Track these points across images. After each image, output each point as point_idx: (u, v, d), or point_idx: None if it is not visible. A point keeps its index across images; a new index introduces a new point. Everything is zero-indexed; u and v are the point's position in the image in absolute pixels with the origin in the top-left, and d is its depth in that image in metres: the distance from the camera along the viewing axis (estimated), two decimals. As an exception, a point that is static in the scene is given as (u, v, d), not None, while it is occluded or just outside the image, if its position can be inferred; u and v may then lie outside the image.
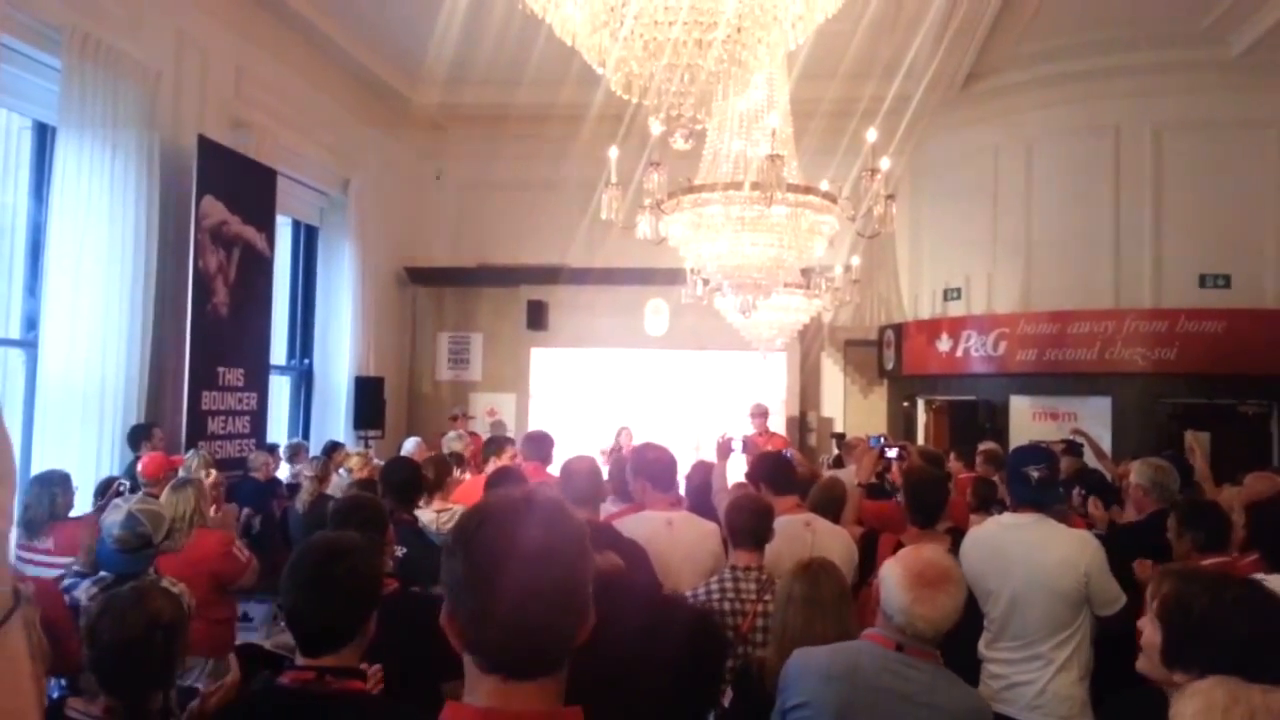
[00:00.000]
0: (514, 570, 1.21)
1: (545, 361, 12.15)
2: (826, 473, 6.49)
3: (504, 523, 1.25)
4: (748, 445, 5.71)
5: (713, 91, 2.41)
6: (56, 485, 4.63)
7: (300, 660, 2.11)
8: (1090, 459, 7.13)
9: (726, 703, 2.91)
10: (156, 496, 4.26)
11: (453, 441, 8.01)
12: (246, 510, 6.35)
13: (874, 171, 5.07)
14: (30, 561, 4.33)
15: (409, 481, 4.43)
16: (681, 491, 5.63)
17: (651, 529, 3.78)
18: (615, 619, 2.16)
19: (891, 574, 2.39)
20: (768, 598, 3.39)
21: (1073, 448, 7.28)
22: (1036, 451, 3.79)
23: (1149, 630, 2.07)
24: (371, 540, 3.16)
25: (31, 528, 4.47)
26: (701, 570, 3.81)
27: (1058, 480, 3.72)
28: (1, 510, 0.84)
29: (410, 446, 8.05)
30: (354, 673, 2.08)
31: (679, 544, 3.79)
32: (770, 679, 2.64)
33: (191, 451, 6.36)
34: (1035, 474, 3.56)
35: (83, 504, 5.07)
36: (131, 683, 2.31)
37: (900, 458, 5.72)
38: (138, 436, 6.49)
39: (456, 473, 6.41)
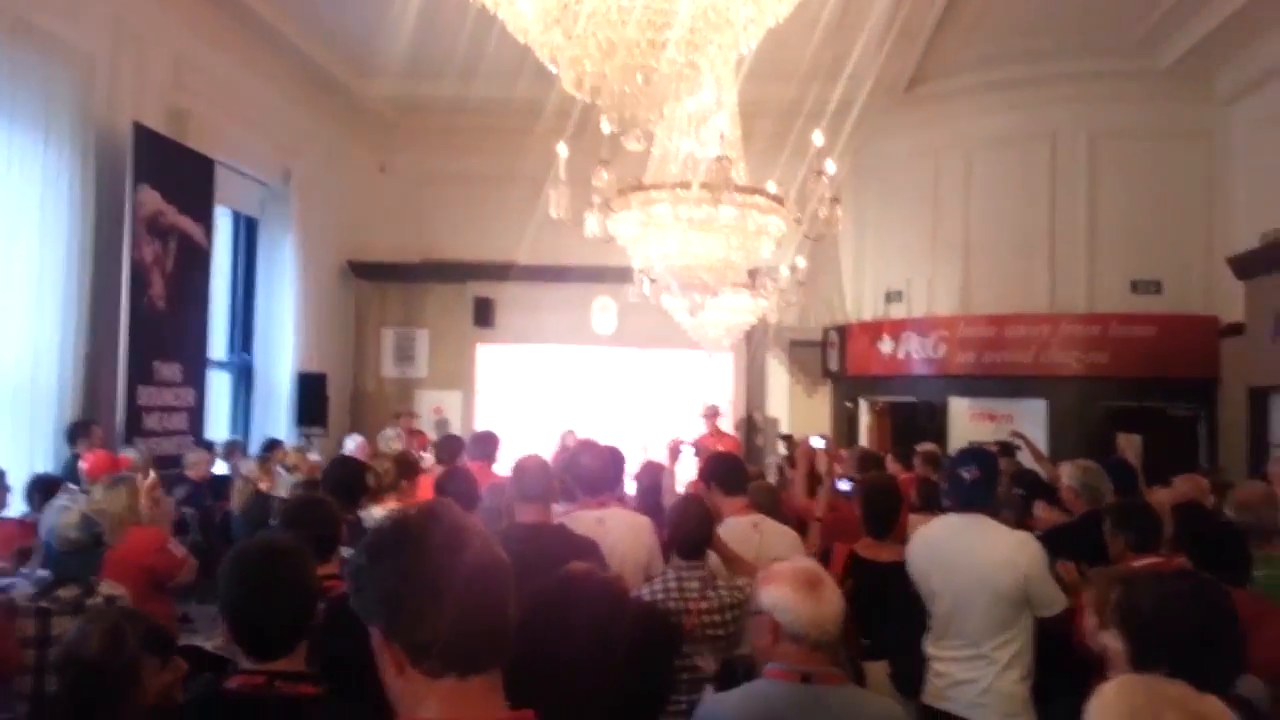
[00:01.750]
0: (455, 555, 1.23)
1: (492, 359, 12.09)
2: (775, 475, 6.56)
3: (424, 518, 1.28)
4: (698, 447, 5.75)
5: (666, 93, 2.42)
6: None
7: (246, 664, 2.06)
8: (1027, 460, 7.29)
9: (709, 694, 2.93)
10: (90, 495, 4.16)
11: (389, 440, 7.93)
12: (183, 509, 6.22)
13: (819, 173, 5.12)
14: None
15: (352, 481, 4.38)
16: (630, 491, 5.66)
17: (584, 528, 3.78)
18: (568, 617, 2.16)
19: (780, 592, 2.32)
20: (710, 594, 3.43)
21: (1006, 449, 7.43)
22: (971, 454, 3.87)
23: (1110, 640, 2.11)
24: (329, 542, 3.13)
25: None
26: (637, 563, 3.83)
27: (994, 483, 3.79)
28: None
29: (351, 445, 7.95)
30: (304, 676, 2.04)
31: (612, 539, 3.78)
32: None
33: (132, 449, 6.22)
34: (967, 476, 3.64)
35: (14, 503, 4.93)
36: (94, 705, 2.26)
37: (855, 492, 5.61)
38: (76, 434, 6.32)
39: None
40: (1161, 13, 8.61)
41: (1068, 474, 4.75)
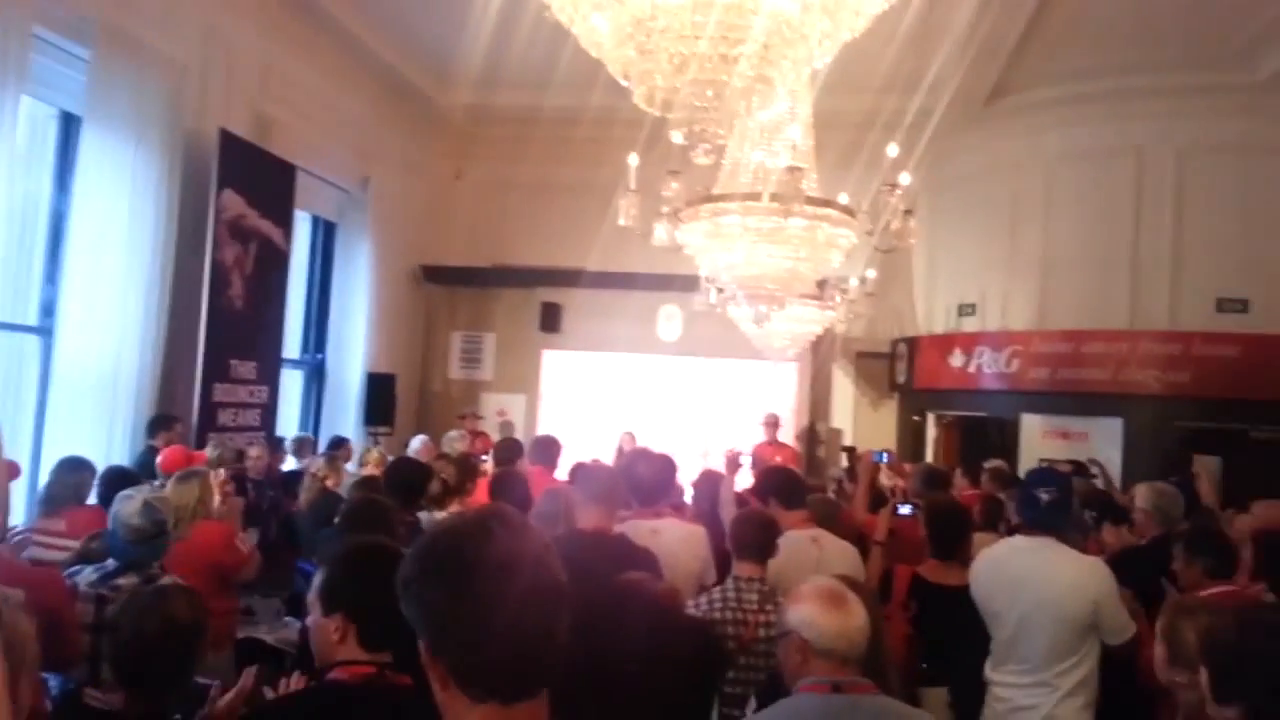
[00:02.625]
0: (508, 582, 1.18)
1: (557, 364, 12.17)
2: (834, 487, 6.47)
3: (478, 535, 1.21)
4: (755, 459, 5.71)
5: (736, 108, 2.42)
6: (85, 471, 4.69)
7: (352, 656, 2.15)
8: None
9: (750, 712, 2.91)
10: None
11: (453, 441, 8.02)
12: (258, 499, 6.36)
13: (893, 186, 5.06)
14: (41, 544, 4.34)
15: (414, 483, 4.44)
16: (688, 499, 5.65)
17: (638, 538, 3.80)
18: (620, 627, 2.17)
19: (805, 609, 2.35)
20: (769, 608, 3.41)
21: (1080, 469, 7.24)
22: (1048, 475, 3.78)
23: (1179, 675, 2.06)
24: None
25: (50, 505, 4.50)
26: (690, 573, 3.82)
27: (1069, 505, 3.70)
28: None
29: (417, 445, 8.07)
30: (404, 667, 2.12)
31: (666, 550, 3.78)
32: None
33: (211, 447, 6.39)
34: (1045, 497, 3.54)
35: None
36: (149, 679, 2.34)
37: (914, 513, 5.50)
38: (156, 427, 6.50)
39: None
40: (1261, 25, 8.32)
41: (1141, 496, 4.62)
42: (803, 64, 2.51)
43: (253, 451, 7.07)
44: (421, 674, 2.07)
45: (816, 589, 2.42)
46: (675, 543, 3.89)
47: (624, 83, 2.48)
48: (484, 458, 7.26)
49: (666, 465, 4.38)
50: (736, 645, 3.32)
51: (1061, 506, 3.58)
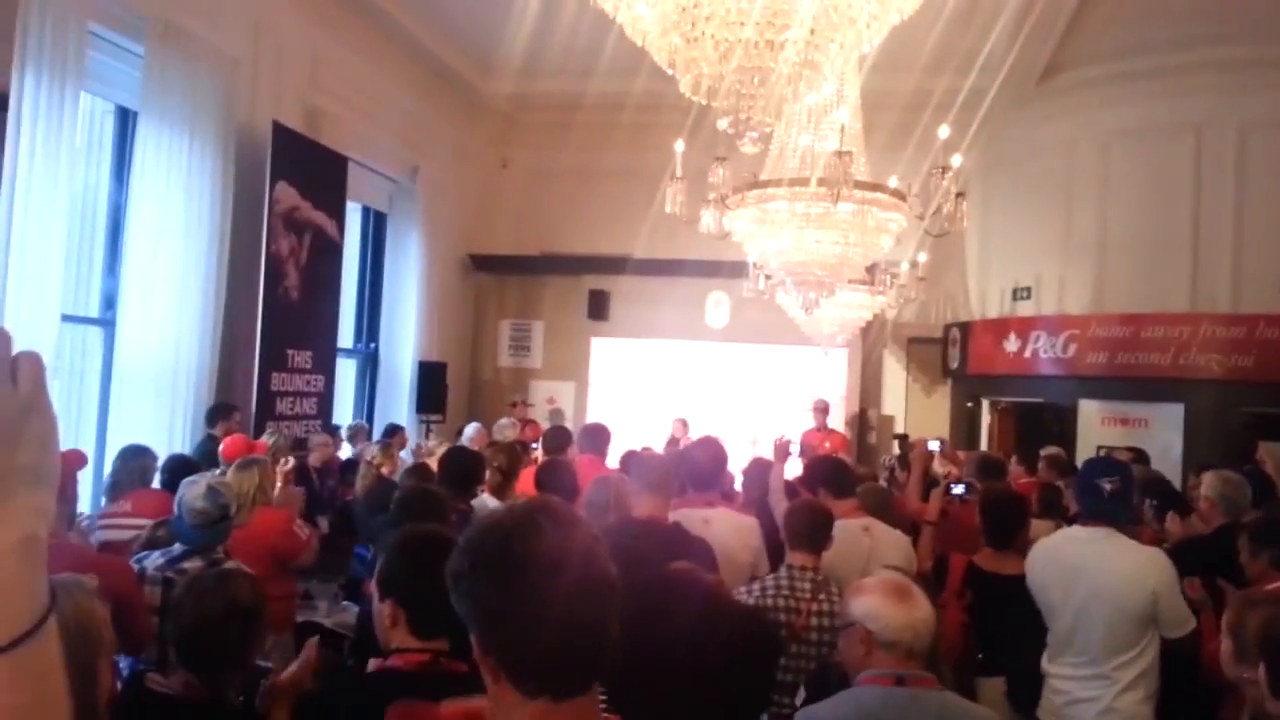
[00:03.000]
0: (558, 573, 1.17)
1: (605, 351, 12.20)
2: (886, 475, 6.41)
3: (527, 530, 1.21)
4: (804, 447, 5.67)
5: (783, 94, 2.39)
6: (147, 457, 4.84)
7: (405, 644, 2.20)
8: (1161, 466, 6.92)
9: (799, 702, 2.90)
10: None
11: (504, 429, 8.08)
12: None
13: (945, 169, 4.98)
14: (109, 526, 4.46)
15: (469, 471, 4.49)
16: (738, 487, 5.63)
17: (690, 527, 3.79)
18: (668, 618, 2.16)
19: (870, 601, 2.36)
20: (822, 597, 3.40)
21: (1140, 455, 7.08)
22: (1110, 464, 3.71)
23: (1248, 671, 2.02)
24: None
25: (115, 490, 4.64)
26: (741, 565, 3.81)
27: (1131, 495, 3.61)
28: (41, 512, 0.78)
29: (470, 432, 8.14)
30: (458, 654, 2.15)
31: (717, 541, 3.77)
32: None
33: (268, 435, 6.52)
34: (1108, 486, 3.46)
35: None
36: (210, 662, 2.39)
37: (967, 494, 5.48)
38: (216, 416, 6.63)
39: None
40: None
41: (1207, 484, 4.49)
42: (850, 48, 2.47)
43: (317, 440, 7.21)
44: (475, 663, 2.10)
45: (883, 582, 2.45)
46: (728, 533, 3.87)
47: (669, 71, 2.47)
48: (534, 445, 7.31)
49: (720, 452, 4.37)
50: (788, 633, 3.32)
51: (1124, 497, 3.50)
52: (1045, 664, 3.48)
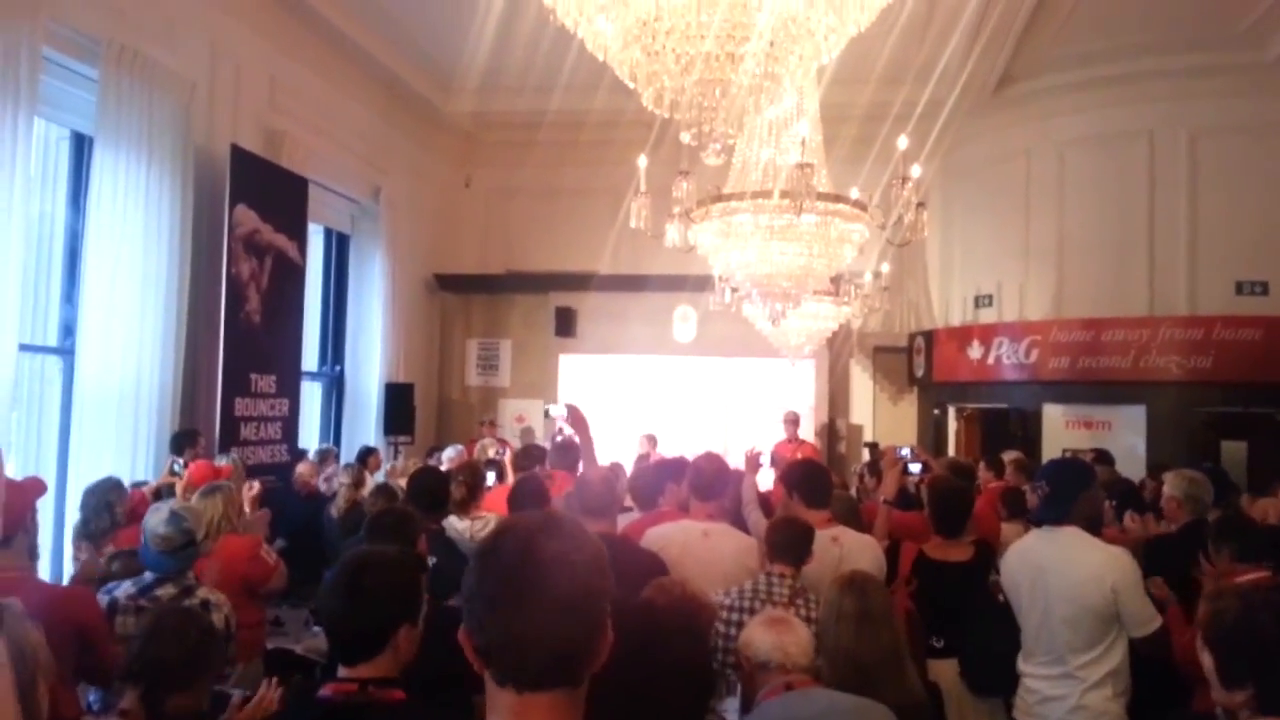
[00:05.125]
0: (525, 578, 1.24)
1: (573, 368, 12.18)
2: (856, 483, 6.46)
3: (524, 535, 1.28)
4: (776, 458, 5.70)
5: (745, 106, 2.41)
6: (111, 493, 4.71)
7: (342, 672, 2.12)
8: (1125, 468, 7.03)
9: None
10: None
11: (488, 448, 8.05)
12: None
13: (905, 179, 5.03)
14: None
15: (435, 491, 4.45)
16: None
17: (687, 538, 3.80)
18: (654, 655, 2.15)
19: (747, 633, 2.71)
20: (800, 602, 3.41)
21: (1103, 456, 7.20)
22: (1050, 467, 3.81)
23: (1204, 657, 2.05)
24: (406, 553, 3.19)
25: (95, 539, 4.54)
26: (733, 582, 3.80)
27: (1065, 498, 3.58)
28: None
29: (451, 454, 8.09)
30: (394, 682, 2.09)
31: (714, 555, 3.77)
32: None
33: (228, 458, 6.43)
34: (1038, 493, 3.59)
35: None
36: (162, 685, 2.35)
37: (923, 473, 5.70)
38: (183, 443, 6.54)
39: (492, 478, 6.40)
40: (1268, 4, 8.24)
41: (1171, 484, 4.57)
42: (810, 60, 2.50)
43: (301, 468, 7.14)
44: (415, 689, 2.09)
45: (760, 618, 2.82)
46: (726, 550, 3.86)
47: (631, 85, 2.48)
48: (500, 453, 7.30)
49: (723, 464, 4.35)
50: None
51: (1055, 500, 3.53)
52: (1020, 664, 3.52)
